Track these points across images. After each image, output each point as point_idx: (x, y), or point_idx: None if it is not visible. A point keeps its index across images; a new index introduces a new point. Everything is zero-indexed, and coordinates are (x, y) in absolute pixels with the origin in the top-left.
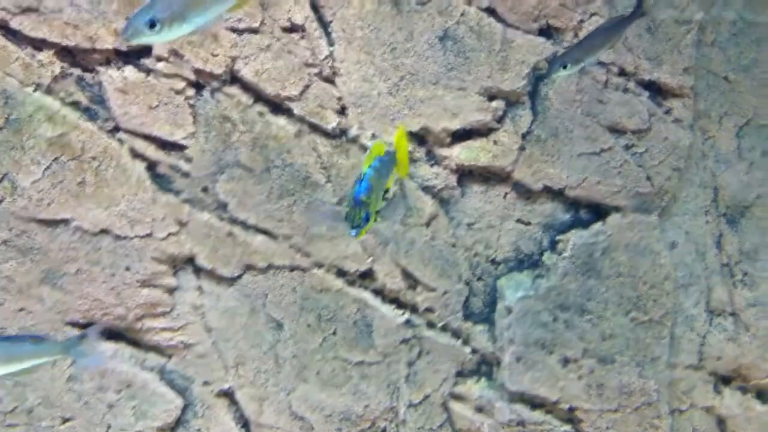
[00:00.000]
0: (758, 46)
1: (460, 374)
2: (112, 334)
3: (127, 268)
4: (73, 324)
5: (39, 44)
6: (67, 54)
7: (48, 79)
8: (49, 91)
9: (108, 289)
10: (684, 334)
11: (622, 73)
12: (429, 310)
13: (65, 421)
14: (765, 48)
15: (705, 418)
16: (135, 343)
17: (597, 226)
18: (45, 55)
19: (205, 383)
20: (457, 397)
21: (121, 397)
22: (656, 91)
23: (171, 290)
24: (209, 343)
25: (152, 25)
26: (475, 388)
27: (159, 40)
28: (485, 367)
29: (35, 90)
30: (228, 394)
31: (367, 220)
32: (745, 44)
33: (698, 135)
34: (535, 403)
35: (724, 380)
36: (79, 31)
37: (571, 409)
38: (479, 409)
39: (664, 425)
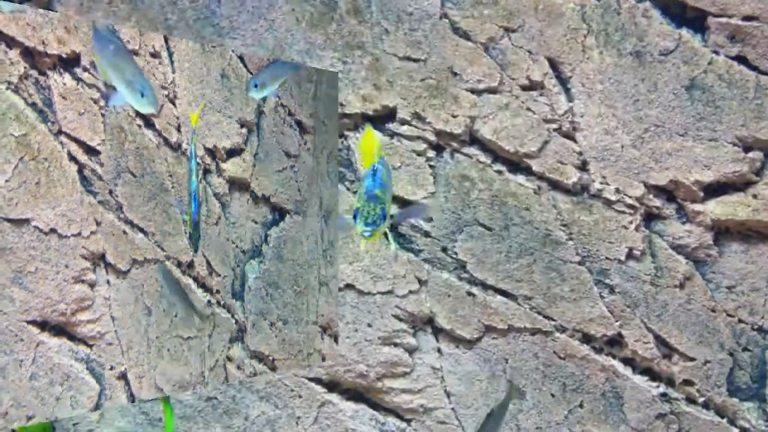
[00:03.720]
0: None
1: None
2: (56, 331)
3: (66, 266)
4: (33, 323)
5: (9, 42)
6: (27, 55)
7: (16, 78)
8: (16, 90)
9: (54, 286)
10: None
11: None
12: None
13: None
14: None
15: None
16: (70, 337)
17: None
18: (13, 54)
19: None
20: None
21: None
22: None
23: None
24: None
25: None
26: None
27: None
28: None
29: (7, 88)
30: None
31: (384, 218)
32: None
33: None
34: None
35: None
36: (36, 33)
37: None
38: None
39: None
